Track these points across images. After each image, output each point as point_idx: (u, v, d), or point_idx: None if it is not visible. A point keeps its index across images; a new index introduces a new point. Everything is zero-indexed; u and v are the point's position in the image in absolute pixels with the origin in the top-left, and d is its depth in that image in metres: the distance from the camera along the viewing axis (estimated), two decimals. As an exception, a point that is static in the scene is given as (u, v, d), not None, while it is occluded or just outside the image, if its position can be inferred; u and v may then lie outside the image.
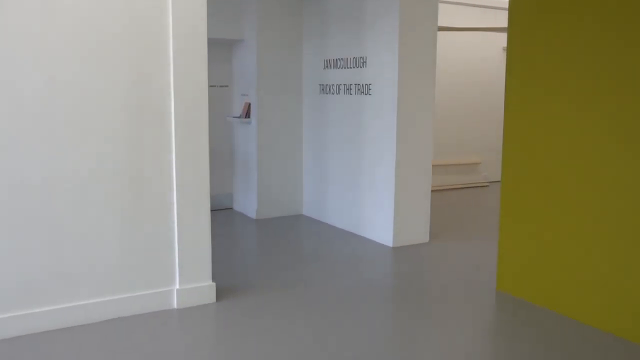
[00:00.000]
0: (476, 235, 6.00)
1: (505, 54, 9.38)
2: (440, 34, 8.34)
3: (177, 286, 3.86)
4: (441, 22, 7.24)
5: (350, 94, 5.89)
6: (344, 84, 5.97)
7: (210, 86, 6.76)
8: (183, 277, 3.86)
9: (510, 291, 4.20)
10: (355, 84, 5.81)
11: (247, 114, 6.59)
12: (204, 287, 3.94)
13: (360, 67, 5.72)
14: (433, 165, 8.24)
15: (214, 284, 4.00)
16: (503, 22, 8.58)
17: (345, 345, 3.34)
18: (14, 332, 3.38)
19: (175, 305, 3.85)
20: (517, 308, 3.95)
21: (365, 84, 5.67)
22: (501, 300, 4.11)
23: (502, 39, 9.28)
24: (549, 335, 3.51)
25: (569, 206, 3.74)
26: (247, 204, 6.81)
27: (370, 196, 5.71)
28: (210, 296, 3.97)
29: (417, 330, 3.59)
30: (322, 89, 6.34)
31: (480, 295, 4.20)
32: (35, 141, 3.35)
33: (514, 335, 3.52)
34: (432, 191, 8.63)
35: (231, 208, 7.15)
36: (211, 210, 3.97)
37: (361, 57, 5.70)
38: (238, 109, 6.89)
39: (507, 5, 7.12)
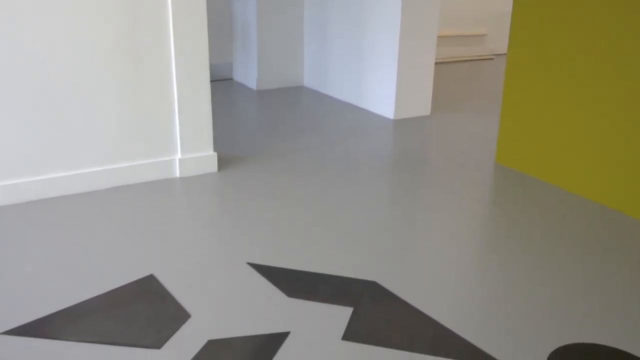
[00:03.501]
0: (478, 109, 5.97)
1: None
2: None
3: (179, 156, 3.91)
4: None
5: (355, -42, 5.60)
6: (348, -53, 5.66)
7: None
8: (184, 147, 3.90)
9: (509, 164, 4.25)
10: (360, -53, 5.50)
11: (246, -20, 6.31)
12: (206, 157, 4.00)
13: None
14: (438, 36, 8.04)
15: (215, 153, 4.05)
16: None
17: (345, 208, 3.44)
18: (16, 199, 3.47)
19: (177, 175, 3.93)
20: (514, 179, 4.02)
21: (371, -53, 5.37)
22: (499, 171, 4.17)
23: None
24: (545, 204, 3.60)
25: (573, 82, 3.69)
26: (248, 74, 6.71)
27: (372, 68, 5.61)
28: (212, 165, 4.04)
29: (415, 196, 3.69)
30: (325, -47, 6.02)
31: (479, 166, 4.26)
32: (32, 12, 3.23)
33: (509, 203, 3.62)
34: (436, 63, 8.48)
35: (231, 78, 7.07)
36: (211, 81, 3.92)
37: None
38: (236, -26, 6.59)
39: None
